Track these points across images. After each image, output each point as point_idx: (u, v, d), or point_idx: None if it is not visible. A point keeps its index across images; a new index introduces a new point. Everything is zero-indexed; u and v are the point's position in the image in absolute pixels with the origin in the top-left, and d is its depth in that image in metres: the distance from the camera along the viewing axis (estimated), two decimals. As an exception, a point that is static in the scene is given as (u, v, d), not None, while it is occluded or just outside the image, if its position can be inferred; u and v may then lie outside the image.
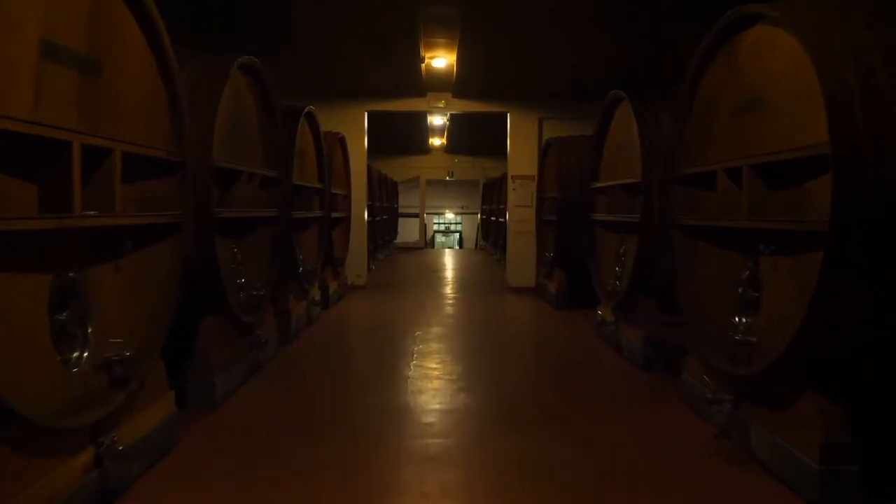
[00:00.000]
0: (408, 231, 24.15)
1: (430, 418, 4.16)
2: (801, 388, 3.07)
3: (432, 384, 4.91)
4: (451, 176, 22.95)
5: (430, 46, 7.92)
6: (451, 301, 9.71)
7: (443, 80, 9.51)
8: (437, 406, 4.40)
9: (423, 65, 8.46)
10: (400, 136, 17.88)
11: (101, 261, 2.89)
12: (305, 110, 6.68)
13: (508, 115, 10.57)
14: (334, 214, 8.56)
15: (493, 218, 18.22)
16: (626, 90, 5.61)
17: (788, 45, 3.12)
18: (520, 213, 10.53)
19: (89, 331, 2.76)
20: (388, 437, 3.82)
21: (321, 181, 7.65)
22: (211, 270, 4.05)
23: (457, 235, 33.66)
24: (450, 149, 20.76)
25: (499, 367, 5.63)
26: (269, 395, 4.59)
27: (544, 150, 9.60)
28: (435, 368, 5.38)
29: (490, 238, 19.41)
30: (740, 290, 3.65)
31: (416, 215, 24.05)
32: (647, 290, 5.44)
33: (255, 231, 5.24)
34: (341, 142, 9.08)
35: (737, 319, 3.63)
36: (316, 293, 7.59)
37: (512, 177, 10.55)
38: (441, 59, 8.41)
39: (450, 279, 13.30)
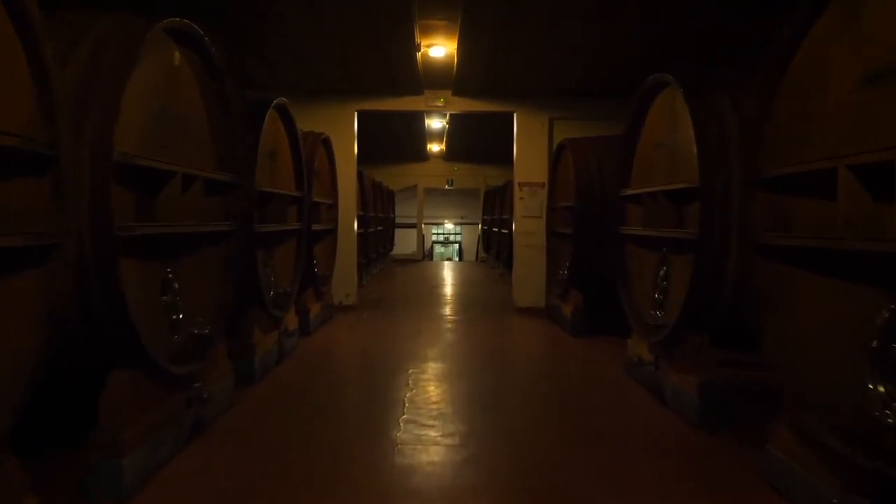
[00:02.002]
0: (405, 242, 22.98)
1: (423, 515, 2.99)
2: None
3: (427, 453, 3.73)
4: (451, 184, 21.78)
5: (428, 31, 6.81)
6: (450, 325, 8.53)
7: (441, 75, 8.39)
8: (434, 492, 3.23)
9: (420, 54, 7.33)
10: (396, 142, 16.78)
11: None
12: (275, 102, 5.53)
13: (515, 115, 9.42)
14: (316, 227, 7.40)
15: (495, 229, 17.06)
16: (671, 72, 4.47)
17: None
18: (528, 224, 9.37)
19: None
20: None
21: (299, 188, 6.49)
22: (114, 309, 2.89)
23: (456, 246, 32.48)
24: (449, 156, 19.64)
25: (513, 425, 4.39)
26: (204, 474, 3.41)
27: (557, 154, 8.45)
28: (431, 425, 4.20)
29: (492, 250, 18.24)
30: (875, 344, 2.49)
31: (413, 226, 22.88)
32: (702, 325, 4.27)
33: (201, 250, 4.09)
34: (325, 143, 7.92)
35: (871, 387, 2.48)
36: (292, 320, 6.41)
37: (519, 184, 9.39)
38: (440, 48, 7.30)
39: (449, 296, 12.12)
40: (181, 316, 3.74)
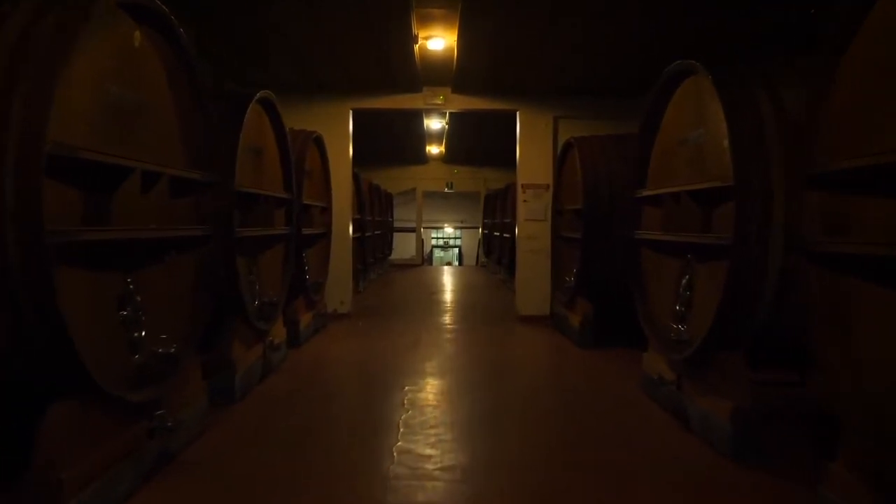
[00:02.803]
0: (404, 247, 22.50)
1: (418, 573, 2.52)
2: None
3: (424, 491, 3.26)
4: (450, 187, 21.31)
5: (426, 21, 6.35)
6: (450, 335, 8.05)
7: (441, 71, 7.93)
8: (430, 541, 2.76)
9: (417, 47, 6.87)
10: (395, 145, 16.34)
11: None
12: (258, 95, 5.07)
13: (518, 113, 8.96)
14: (308, 231, 6.95)
15: (496, 233, 16.59)
16: (697, 59, 4.01)
17: None
18: (531, 228, 8.90)
19: None
20: None
21: (287, 189, 6.03)
22: (48, 327, 2.42)
23: (456, 251, 32.01)
24: (448, 158, 19.18)
25: (519, 456, 3.86)
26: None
27: (563, 154, 7.98)
28: (429, 455, 3.72)
29: (493, 255, 17.77)
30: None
31: (412, 230, 22.40)
32: (734, 342, 3.80)
33: (171, 257, 3.62)
34: (317, 142, 7.44)
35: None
36: (279, 332, 5.94)
37: (522, 186, 8.93)
38: (439, 40, 6.84)
39: (449, 303, 11.64)
40: (143, 333, 3.29)
